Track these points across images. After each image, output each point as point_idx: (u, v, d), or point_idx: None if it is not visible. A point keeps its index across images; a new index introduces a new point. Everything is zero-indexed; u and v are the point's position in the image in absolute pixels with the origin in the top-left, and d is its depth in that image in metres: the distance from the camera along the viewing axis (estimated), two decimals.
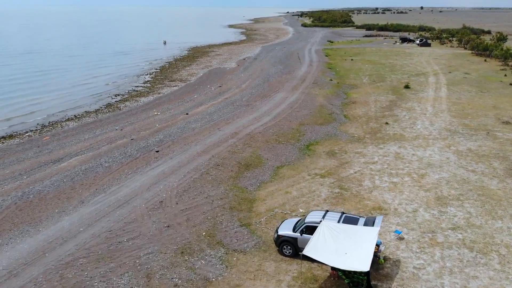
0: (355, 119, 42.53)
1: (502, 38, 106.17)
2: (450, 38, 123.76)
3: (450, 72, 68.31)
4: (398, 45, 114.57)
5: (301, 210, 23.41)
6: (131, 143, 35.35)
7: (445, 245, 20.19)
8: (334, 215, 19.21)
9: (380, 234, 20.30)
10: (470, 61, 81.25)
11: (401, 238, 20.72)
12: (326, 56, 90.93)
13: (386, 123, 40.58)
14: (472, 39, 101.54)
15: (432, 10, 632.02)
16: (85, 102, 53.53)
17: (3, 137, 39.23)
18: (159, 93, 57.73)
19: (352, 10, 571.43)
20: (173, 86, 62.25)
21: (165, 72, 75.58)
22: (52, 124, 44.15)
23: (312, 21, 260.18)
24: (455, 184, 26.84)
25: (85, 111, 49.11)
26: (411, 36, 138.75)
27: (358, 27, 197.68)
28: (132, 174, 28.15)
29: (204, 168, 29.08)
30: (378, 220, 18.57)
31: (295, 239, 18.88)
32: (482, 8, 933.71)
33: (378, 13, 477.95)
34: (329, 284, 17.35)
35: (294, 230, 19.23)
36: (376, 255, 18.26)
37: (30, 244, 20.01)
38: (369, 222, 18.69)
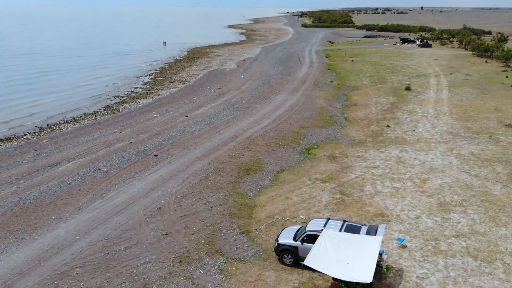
0: (356, 121, 42.14)
1: (503, 39, 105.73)
2: (451, 39, 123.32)
3: (451, 74, 67.92)
4: (398, 46, 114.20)
5: (302, 217, 23.01)
6: (129, 147, 34.96)
7: (449, 253, 19.80)
8: (335, 224, 18.81)
9: (382, 242, 19.86)
10: (471, 62, 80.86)
11: (404, 246, 20.33)
12: (326, 57, 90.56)
13: (388, 126, 40.18)
14: (473, 40, 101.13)
15: (432, 10, 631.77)
16: (85, 104, 53.13)
17: (1, 140, 38.84)
18: (158, 95, 57.34)
19: (352, 10, 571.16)
20: (173, 88, 61.87)
21: (165, 73, 75.19)
22: (51, 126, 43.76)
23: (312, 22, 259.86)
24: (458, 189, 26.45)
25: (83, 113, 48.72)
26: (412, 36, 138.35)
27: (358, 27, 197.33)
28: (130, 179, 27.74)
29: (203, 173, 28.68)
30: (381, 228, 18.16)
31: (296, 248, 18.48)
32: (482, 8, 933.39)
33: (378, 13, 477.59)
34: None
35: (295, 238, 18.83)
36: (378, 265, 17.88)
37: (26, 253, 19.61)
38: (372, 231, 18.29)
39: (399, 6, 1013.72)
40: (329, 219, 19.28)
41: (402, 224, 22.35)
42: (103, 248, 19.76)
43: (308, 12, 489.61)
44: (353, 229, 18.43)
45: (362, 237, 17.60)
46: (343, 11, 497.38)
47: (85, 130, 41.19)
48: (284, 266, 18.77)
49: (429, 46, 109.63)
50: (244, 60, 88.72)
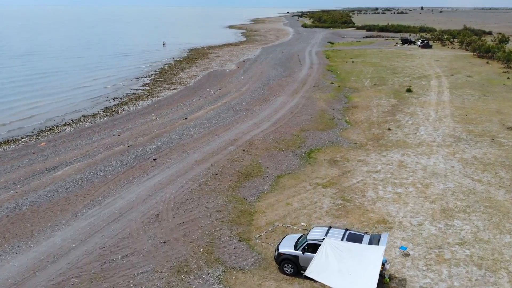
0: (357, 124, 41.74)
1: (504, 39, 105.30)
2: (451, 40, 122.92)
3: (452, 75, 67.52)
4: (399, 47, 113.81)
5: (302, 224, 22.61)
6: (128, 150, 34.56)
7: (453, 262, 19.39)
8: (337, 232, 18.39)
9: (385, 250, 19.48)
10: (472, 63, 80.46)
11: (407, 255, 19.92)
12: (326, 58, 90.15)
13: (389, 128, 39.78)
14: (474, 41, 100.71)
15: (432, 11, 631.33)
16: (84, 106, 52.76)
17: None
18: (158, 97, 56.95)
19: (352, 10, 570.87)
20: (172, 89, 61.47)
21: (165, 75, 74.80)
22: (49, 129, 43.38)
23: (312, 22, 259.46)
24: (461, 195, 26.05)
25: (82, 115, 48.34)
26: (412, 37, 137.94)
27: (358, 28, 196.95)
28: (128, 185, 27.32)
29: (203, 178, 28.26)
30: (384, 238, 17.75)
31: (297, 257, 18.07)
32: (483, 8, 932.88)
33: (378, 13, 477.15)
34: None
35: (295, 247, 18.42)
36: (381, 274, 17.44)
37: (21, 262, 19.19)
38: (374, 240, 17.87)
39: (399, 6, 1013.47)
40: (330, 227, 18.87)
41: (404, 231, 21.94)
42: (100, 257, 19.34)
43: (308, 12, 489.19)
44: (355, 238, 18.02)
45: (364, 246, 17.18)
46: (343, 11, 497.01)
47: (83, 133, 40.80)
48: (285, 275, 18.35)
49: (430, 47, 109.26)
50: (244, 61, 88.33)
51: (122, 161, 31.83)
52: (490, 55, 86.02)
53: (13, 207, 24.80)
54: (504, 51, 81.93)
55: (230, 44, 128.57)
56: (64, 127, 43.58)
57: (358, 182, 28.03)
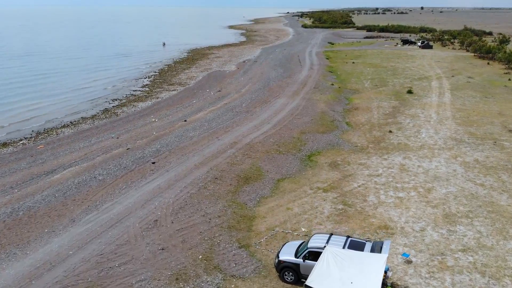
0: (357, 126, 41.41)
1: (504, 40, 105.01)
2: (452, 40, 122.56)
3: (453, 76, 67.19)
4: (399, 47, 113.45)
5: (303, 229, 22.29)
6: (126, 153, 34.23)
7: (456, 269, 19.08)
8: (338, 239, 18.07)
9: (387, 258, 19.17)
10: (473, 64, 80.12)
11: (409, 262, 19.61)
12: (327, 58, 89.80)
13: (390, 131, 39.45)
14: (475, 42, 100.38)
15: (432, 11, 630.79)
16: (83, 108, 52.48)
17: None
18: (157, 98, 56.63)
19: (352, 11, 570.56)
20: (172, 90, 61.15)
21: (164, 76, 74.47)
22: (47, 131, 43.07)
23: (313, 22, 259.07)
24: (463, 199, 25.73)
25: (81, 117, 48.05)
26: (412, 37, 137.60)
27: (358, 28, 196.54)
28: (126, 189, 26.98)
29: (202, 182, 27.92)
30: (386, 245, 17.41)
31: (298, 265, 17.75)
32: (483, 8, 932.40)
33: (379, 13, 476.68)
34: None
35: (296, 255, 18.10)
36: (383, 283, 17.13)
37: (17, 270, 18.86)
38: (376, 248, 17.55)
39: (399, 6, 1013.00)
40: (332, 234, 18.55)
41: (406, 237, 21.63)
42: (97, 265, 19.01)
43: (308, 12, 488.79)
44: (357, 245, 17.70)
45: (366, 254, 16.87)
46: (343, 11, 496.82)
47: (82, 135, 40.49)
48: (285, 283, 18.04)
49: (430, 47, 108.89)
50: (244, 61, 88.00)
51: (120, 165, 31.50)
52: (491, 56, 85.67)
53: (10, 212, 24.49)
54: (505, 52, 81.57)
55: (230, 45, 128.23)
56: (63, 129, 43.28)
57: (359, 186, 27.71)
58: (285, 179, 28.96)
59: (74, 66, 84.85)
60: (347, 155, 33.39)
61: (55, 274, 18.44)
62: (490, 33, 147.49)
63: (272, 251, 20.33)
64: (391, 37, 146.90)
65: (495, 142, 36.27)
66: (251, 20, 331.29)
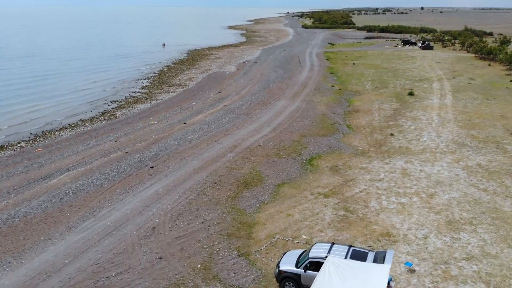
0: (358, 129, 41.00)
1: (505, 41, 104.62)
2: (453, 41, 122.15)
3: (454, 78, 66.78)
4: (400, 48, 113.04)
5: (304, 237, 21.87)
6: (125, 157, 33.81)
7: (460, 278, 18.68)
8: (340, 249, 17.66)
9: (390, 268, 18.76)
10: (474, 65, 79.72)
11: (412, 271, 19.20)
12: (327, 59, 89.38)
13: (391, 134, 39.04)
14: (475, 42, 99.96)
15: (432, 11, 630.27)
16: (82, 110, 52.11)
17: None
18: (156, 100, 56.24)
19: (352, 11, 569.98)
20: (171, 92, 60.77)
21: (164, 77, 74.07)
22: (46, 133, 42.69)
23: (313, 22, 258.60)
24: (466, 205, 25.32)
25: (80, 120, 47.67)
26: (413, 38, 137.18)
27: (359, 28, 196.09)
28: (124, 195, 26.55)
29: (201, 188, 27.49)
30: (389, 255, 16.99)
31: (299, 275, 17.35)
32: (483, 8, 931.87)
33: (379, 13, 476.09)
34: None
35: (297, 265, 17.69)
36: None
37: (11, 280, 18.43)
38: (379, 258, 17.14)
39: (399, 6, 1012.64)
40: (333, 243, 18.15)
41: (409, 245, 21.22)
42: (93, 275, 18.58)
43: (308, 12, 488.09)
44: (359, 255, 17.29)
45: (369, 265, 16.44)
46: (343, 11, 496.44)
47: (80, 138, 40.09)
48: None
49: (431, 48, 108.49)
50: (244, 62, 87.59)
51: (118, 169, 31.09)
52: (492, 57, 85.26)
53: (6, 218, 24.07)
54: (506, 53, 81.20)
55: (230, 45, 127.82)
56: (61, 132, 42.90)
57: (360, 191, 27.30)
58: (285, 184, 28.56)
59: (74, 67, 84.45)
60: (348, 159, 32.98)
61: (50, 284, 18.01)
62: (490, 34, 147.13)
63: (273, 259, 19.92)
64: (392, 38, 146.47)
65: (498, 145, 35.86)
66: (251, 20, 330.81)
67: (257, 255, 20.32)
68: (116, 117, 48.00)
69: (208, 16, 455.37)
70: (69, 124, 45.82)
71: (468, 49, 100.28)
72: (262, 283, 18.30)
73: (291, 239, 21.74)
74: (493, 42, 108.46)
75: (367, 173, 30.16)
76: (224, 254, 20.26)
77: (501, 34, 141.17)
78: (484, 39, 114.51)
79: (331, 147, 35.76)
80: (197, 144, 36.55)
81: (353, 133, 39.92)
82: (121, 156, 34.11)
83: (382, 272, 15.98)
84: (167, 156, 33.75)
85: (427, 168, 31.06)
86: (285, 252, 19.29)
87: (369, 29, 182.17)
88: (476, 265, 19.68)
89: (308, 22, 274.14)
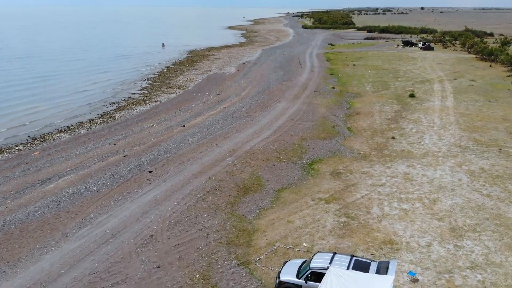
0: (359, 132, 40.58)
1: (506, 41, 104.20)
2: (453, 41, 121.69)
3: (455, 79, 66.35)
4: (400, 49, 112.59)
5: (304, 245, 21.46)
6: (123, 161, 33.40)
7: None
8: (342, 259, 17.25)
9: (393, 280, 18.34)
10: (475, 67, 79.28)
11: (416, 280, 18.79)
12: (327, 60, 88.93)
13: (393, 137, 38.62)
14: (476, 43, 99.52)
15: (432, 11, 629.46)
16: (81, 111, 51.82)
17: None
18: (156, 101, 55.84)
19: (352, 11, 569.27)
20: (171, 94, 60.37)
21: (163, 78, 73.68)
22: (44, 136, 42.30)
23: (313, 23, 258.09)
24: (470, 211, 24.91)
25: (78, 122, 47.30)
26: (413, 38, 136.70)
27: (359, 29, 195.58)
28: (122, 200, 26.14)
29: (200, 193, 27.06)
30: (392, 266, 16.59)
31: (299, 286, 16.94)
32: (483, 9, 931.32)
33: (379, 13, 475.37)
34: None
35: (298, 275, 17.28)
36: None
37: None
38: (382, 268, 16.73)
39: (399, 6, 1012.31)
40: (335, 253, 17.73)
41: (412, 253, 20.80)
42: (90, 285, 18.16)
43: (309, 12, 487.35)
44: (361, 266, 16.88)
45: (372, 276, 16.05)
46: (343, 11, 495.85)
47: (78, 141, 39.70)
48: None
49: (432, 49, 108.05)
50: (244, 63, 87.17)
51: (116, 173, 30.67)
52: (493, 58, 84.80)
53: (2, 225, 23.67)
54: (507, 54, 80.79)
55: (230, 46, 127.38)
56: (60, 134, 42.50)
57: (362, 197, 26.89)
58: (285, 189, 28.14)
59: (74, 68, 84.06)
60: (350, 163, 32.57)
61: None
62: (491, 34, 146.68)
63: (273, 268, 19.51)
64: (392, 38, 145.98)
65: (501, 149, 35.45)
66: (251, 21, 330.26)
67: (257, 264, 19.91)
68: (115, 119, 47.61)
69: (208, 16, 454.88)
70: (67, 127, 45.44)
71: (469, 50, 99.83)
72: None
73: (291, 247, 21.33)
74: (494, 42, 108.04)
75: (368, 178, 29.75)
76: (223, 263, 19.85)
77: (501, 35, 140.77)
78: (485, 40, 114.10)
79: (332, 151, 35.35)
80: (196, 148, 36.14)
81: (354, 136, 39.50)
82: (119, 160, 33.70)
83: (385, 284, 15.59)
84: (166, 160, 33.34)
85: (429, 172, 30.66)
86: (286, 262, 18.89)
87: (369, 29, 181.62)
88: (480, 274, 19.28)
89: (308, 22, 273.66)
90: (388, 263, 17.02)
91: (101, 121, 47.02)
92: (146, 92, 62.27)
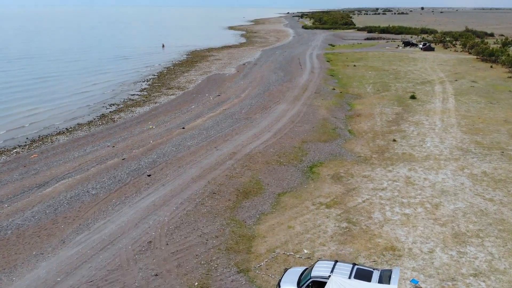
0: (360, 134, 40.26)
1: (507, 42, 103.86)
2: (454, 42, 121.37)
3: (456, 80, 66.02)
4: (400, 49, 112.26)
5: (305, 251, 21.13)
6: (122, 164, 33.07)
7: None
8: (344, 267, 16.91)
9: None
10: (476, 68, 78.94)
11: None
12: (327, 61, 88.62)
13: (394, 140, 38.29)
14: (477, 44, 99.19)
15: (433, 11, 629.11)
16: (80, 113, 51.41)
17: None
18: (155, 103, 55.53)
19: (352, 11, 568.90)
20: (171, 95, 60.05)
21: (163, 79, 73.36)
22: (42, 138, 41.97)
23: (313, 23, 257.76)
24: (472, 216, 24.58)
25: (77, 124, 46.97)
26: (414, 39, 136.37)
27: (359, 29, 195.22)
28: (120, 205, 25.80)
29: (199, 198, 26.73)
30: (395, 274, 16.25)
31: None
32: (483, 9, 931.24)
33: (379, 13, 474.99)
34: None
35: (299, 284, 16.95)
36: None
37: None
38: (385, 277, 16.40)
39: (399, 6, 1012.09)
40: (336, 261, 17.40)
41: (415, 260, 20.47)
42: None
43: (309, 12, 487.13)
44: (364, 274, 16.54)
45: (374, 286, 15.72)
46: (343, 11, 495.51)
47: (77, 143, 39.38)
48: None
49: (432, 49, 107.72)
50: (244, 64, 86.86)
51: (115, 177, 30.34)
52: (494, 58, 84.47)
53: None
54: (508, 55, 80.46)
55: (230, 46, 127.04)
56: (58, 137, 42.19)
57: (363, 201, 26.56)
58: (286, 193, 27.82)
59: (74, 69, 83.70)
60: (350, 167, 32.24)
61: None
62: (491, 35, 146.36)
63: (273, 276, 19.18)
64: (392, 39, 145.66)
65: (503, 152, 35.13)
66: (251, 21, 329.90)
67: (257, 271, 19.57)
68: (114, 121, 47.30)
69: (208, 16, 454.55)
70: (66, 129, 45.12)
71: (470, 50, 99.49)
72: None
73: (292, 253, 21.00)
74: (495, 43, 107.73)
75: (369, 182, 29.42)
76: (222, 271, 19.52)
77: (502, 35, 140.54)
78: (486, 40, 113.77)
79: (333, 154, 35.03)
80: (195, 151, 35.81)
81: (354, 138, 39.18)
82: (118, 163, 33.38)
83: None
84: (165, 163, 33.02)
85: (431, 176, 30.33)
86: (286, 269, 18.55)
87: (370, 30, 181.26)
88: (484, 281, 18.95)
89: (308, 22, 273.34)
90: (390, 271, 16.68)
91: (100, 123, 46.71)
92: (145, 93, 61.96)
